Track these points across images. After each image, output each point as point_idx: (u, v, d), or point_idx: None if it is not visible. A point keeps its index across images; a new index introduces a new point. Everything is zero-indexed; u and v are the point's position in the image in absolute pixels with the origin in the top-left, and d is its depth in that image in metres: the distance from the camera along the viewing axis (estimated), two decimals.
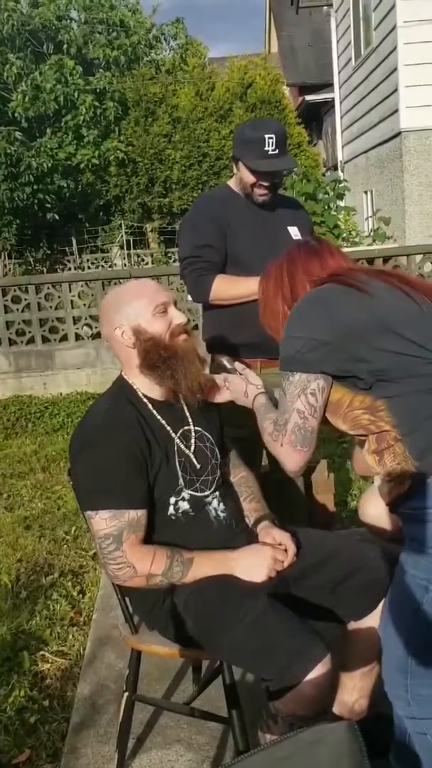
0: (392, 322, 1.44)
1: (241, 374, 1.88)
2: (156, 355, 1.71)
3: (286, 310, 1.60)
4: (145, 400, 1.76)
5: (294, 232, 2.50)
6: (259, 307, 1.72)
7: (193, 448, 1.79)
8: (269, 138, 2.33)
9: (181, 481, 1.73)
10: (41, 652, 2.48)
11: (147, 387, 1.77)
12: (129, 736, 1.91)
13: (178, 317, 1.76)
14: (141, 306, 1.73)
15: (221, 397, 1.89)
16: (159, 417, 1.75)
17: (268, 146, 2.33)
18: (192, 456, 1.78)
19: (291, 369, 1.50)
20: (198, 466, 1.78)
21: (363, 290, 1.49)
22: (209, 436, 1.84)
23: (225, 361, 1.86)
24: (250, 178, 2.41)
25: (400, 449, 1.42)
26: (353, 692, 1.78)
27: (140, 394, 1.76)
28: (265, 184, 2.41)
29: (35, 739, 2.07)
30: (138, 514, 1.66)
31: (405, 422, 1.42)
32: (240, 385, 1.85)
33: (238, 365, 1.89)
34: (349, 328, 1.45)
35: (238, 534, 1.79)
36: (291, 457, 1.53)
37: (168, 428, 1.76)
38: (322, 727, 1.03)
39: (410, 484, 1.40)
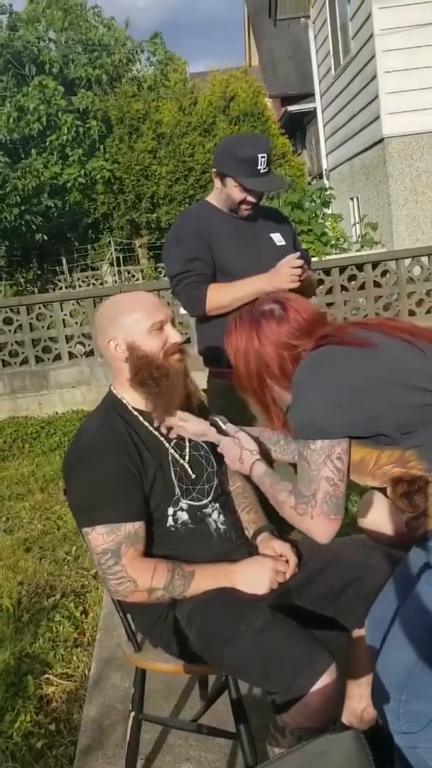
0: (403, 374, 1.42)
1: (234, 437, 1.81)
2: (147, 374, 1.71)
3: (270, 383, 1.58)
4: (135, 413, 1.75)
5: (277, 238, 2.57)
6: (234, 371, 1.67)
7: (188, 457, 1.78)
8: (262, 157, 2.39)
9: (177, 490, 1.72)
10: (46, 675, 2.46)
11: (137, 400, 1.76)
12: (137, 757, 1.89)
13: (174, 336, 1.74)
14: (137, 321, 1.71)
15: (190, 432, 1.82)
16: (151, 429, 1.75)
17: (261, 165, 2.39)
18: (187, 465, 1.77)
19: (311, 437, 1.45)
20: (193, 476, 1.77)
21: (366, 346, 1.45)
22: (204, 445, 1.84)
23: (219, 421, 1.82)
24: (239, 195, 2.45)
25: (431, 490, 1.41)
26: (361, 700, 1.76)
27: (130, 408, 1.76)
28: (254, 200, 2.48)
29: (43, 764, 2.05)
30: (135, 527, 1.64)
31: None
32: (234, 450, 1.78)
33: (230, 427, 1.84)
34: (361, 389, 1.42)
35: (238, 546, 1.78)
36: (324, 529, 1.48)
37: (161, 439, 1.75)
38: (329, 737, 1.02)
39: None
